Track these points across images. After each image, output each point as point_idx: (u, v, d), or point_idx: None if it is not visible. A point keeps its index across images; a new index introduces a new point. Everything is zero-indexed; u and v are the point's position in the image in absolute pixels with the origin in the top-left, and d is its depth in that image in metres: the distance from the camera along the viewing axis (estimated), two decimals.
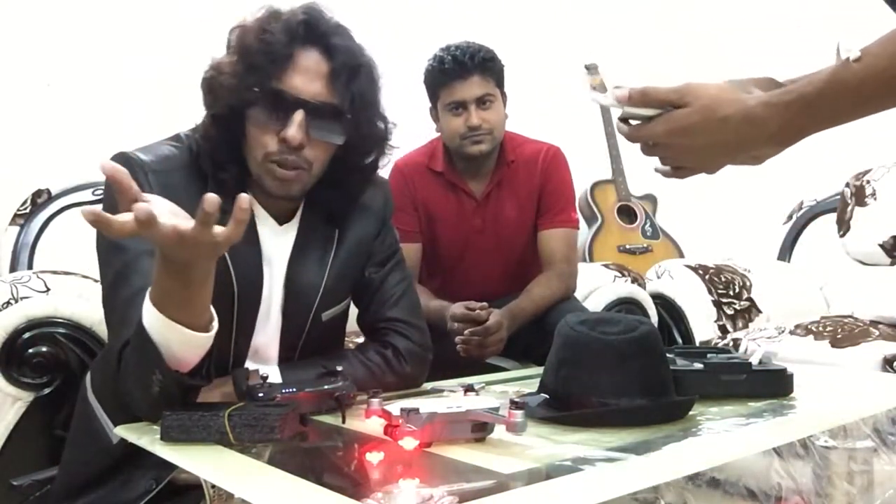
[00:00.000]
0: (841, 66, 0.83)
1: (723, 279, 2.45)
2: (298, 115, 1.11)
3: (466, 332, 1.77)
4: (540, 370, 1.11)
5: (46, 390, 1.44)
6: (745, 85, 0.99)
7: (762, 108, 0.89)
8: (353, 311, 1.38)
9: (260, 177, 1.16)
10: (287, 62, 1.12)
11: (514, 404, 0.87)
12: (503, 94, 1.98)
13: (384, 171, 2.09)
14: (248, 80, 1.11)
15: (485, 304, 1.80)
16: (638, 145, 0.98)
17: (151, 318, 0.93)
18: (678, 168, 0.98)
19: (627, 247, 3.23)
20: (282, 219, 1.24)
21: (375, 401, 0.97)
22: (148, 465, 1.07)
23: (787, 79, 1.10)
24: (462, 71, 1.89)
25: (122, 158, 1.13)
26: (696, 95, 0.91)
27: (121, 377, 1.02)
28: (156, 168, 1.13)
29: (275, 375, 1.17)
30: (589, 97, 0.96)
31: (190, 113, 1.34)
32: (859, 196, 2.60)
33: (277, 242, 1.23)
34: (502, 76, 1.97)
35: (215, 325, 0.98)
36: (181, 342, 0.94)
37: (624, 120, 0.97)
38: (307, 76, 1.12)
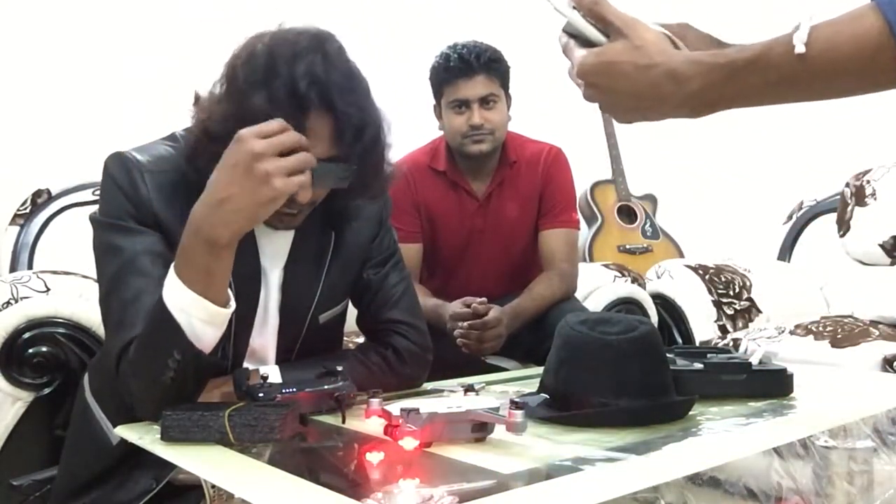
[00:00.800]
0: (778, 40, 0.79)
1: (723, 279, 2.45)
2: (307, 178, 1.01)
3: (465, 324, 1.77)
4: (540, 370, 1.11)
5: (46, 390, 1.44)
6: (681, 35, 0.96)
7: (687, 64, 0.83)
8: (353, 312, 1.38)
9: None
10: (300, 117, 1.05)
11: (514, 404, 0.87)
12: (508, 96, 1.99)
13: None
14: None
15: (484, 298, 1.80)
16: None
17: (175, 292, 0.95)
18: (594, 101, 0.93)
19: (627, 247, 3.23)
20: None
21: (375, 401, 0.97)
22: (148, 465, 1.07)
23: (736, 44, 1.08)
24: (467, 69, 1.89)
25: (117, 158, 1.13)
26: (633, 36, 0.86)
27: (121, 377, 1.02)
28: (151, 168, 1.12)
29: (275, 375, 1.17)
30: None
31: (190, 112, 1.34)
32: (859, 196, 2.60)
33: (274, 247, 1.22)
34: (507, 78, 1.98)
35: (233, 303, 1.00)
36: (204, 319, 0.96)
37: (570, 35, 0.92)
38: (312, 140, 1.04)
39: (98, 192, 2.05)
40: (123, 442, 1.03)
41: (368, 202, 1.28)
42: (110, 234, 1.09)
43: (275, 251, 1.22)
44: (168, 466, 0.99)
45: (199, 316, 0.96)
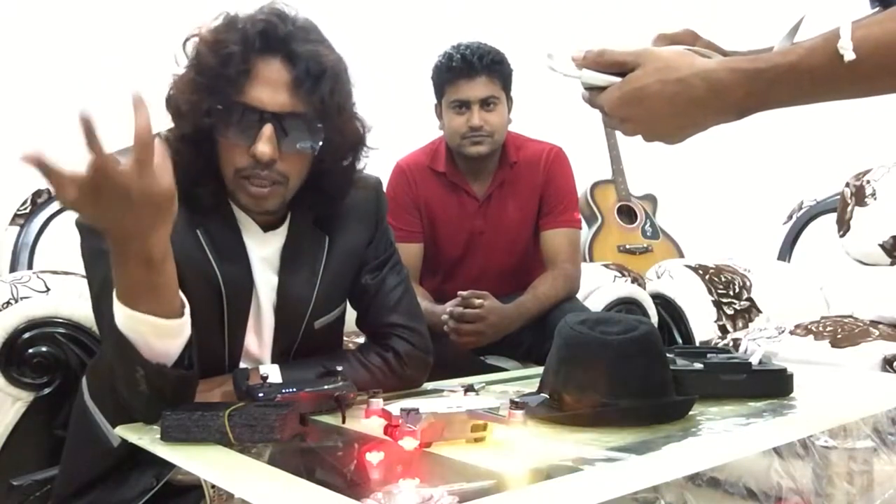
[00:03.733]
0: (822, 41, 0.79)
1: (723, 279, 2.45)
2: (267, 130, 1.06)
3: (449, 308, 1.76)
4: (540, 370, 1.11)
5: (46, 390, 1.44)
6: (690, 41, 0.95)
7: (727, 73, 0.82)
8: (352, 312, 1.38)
9: (234, 193, 1.14)
10: (246, 75, 1.07)
11: (514, 404, 0.87)
12: (509, 99, 1.98)
13: (384, 172, 2.11)
14: (209, 97, 1.07)
15: (484, 293, 1.79)
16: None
17: (121, 314, 0.93)
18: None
19: (627, 247, 3.23)
20: (267, 226, 1.21)
21: (375, 401, 0.97)
22: (148, 465, 1.06)
23: (737, 51, 1.08)
24: (469, 70, 1.89)
25: None
26: (651, 58, 0.86)
27: (113, 381, 1.02)
28: None
29: (275, 375, 1.17)
30: (547, 65, 0.91)
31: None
32: (859, 196, 2.60)
33: (264, 250, 1.21)
34: (510, 80, 1.97)
35: (187, 310, 0.97)
36: (155, 333, 0.94)
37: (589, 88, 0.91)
38: (270, 87, 1.07)
39: None
40: (124, 443, 1.03)
41: (346, 184, 1.23)
42: (96, 238, 1.05)
43: (265, 256, 1.21)
44: (168, 466, 0.98)
45: (151, 332, 0.93)
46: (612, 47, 0.89)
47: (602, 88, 0.89)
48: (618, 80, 0.87)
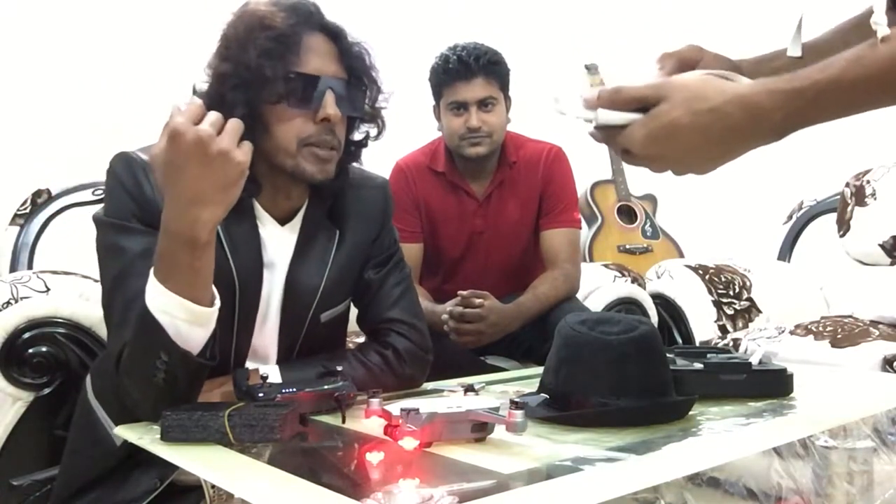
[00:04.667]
0: (862, 50, 0.76)
1: (723, 279, 2.45)
2: (330, 95, 1.12)
3: (449, 308, 1.76)
4: (540, 370, 1.11)
5: (46, 390, 1.44)
6: (697, 59, 0.92)
7: (765, 95, 0.78)
8: (353, 311, 1.38)
9: (295, 167, 1.15)
10: (300, 47, 1.12)
11: (514, 404, 0.87)
12: (507, 99, 1.98)
13: (384, 171, 2.10)
14: (262, 64, 1.09)
15: (485, 293, 1.79)
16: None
17: (156, 294, 0.94)
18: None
19: (627, 247, 3.23)
20: (283, 220, 1.24)
21: (375, 401, 0.97)
22: (151, 465, 1.06)
23: (743, 58, 1.07)
24: (466, 72, 1.89)
25: (122, 158, 1.13)
26: (674, 88, 0.80)
27: (119, 378, 1.02)
28: None
29: (275, 375, 1.17)
30: (555, 109, 0.86)
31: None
32: (859, 196, 2.60)
33: (279, 243, 1.23)
34: (507, 80, 1.97)
35: (217, 302, 0.99)
36: (188, 319, 0.95)
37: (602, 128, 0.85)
38: (322, 58, 1.13)
39: (98, 192, 2.06)
40: (127, 443, 1.03)
41: (358, 153, 1.27)
42: (113, 234, 1.09)
43: (279, 246, 1.23)
44: (172, 466, 0.98)
45: (183, 317, 0.95)
46: (627, 83, 0.84)
47: (620, 127, 0.83)
48: (637, 116, 0.82)
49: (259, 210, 1.21)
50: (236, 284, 1.17)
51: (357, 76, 1.18)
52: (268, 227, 1.22)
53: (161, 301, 0.94)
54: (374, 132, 1.27)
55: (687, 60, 1.01)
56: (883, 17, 0.75)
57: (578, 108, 0.85)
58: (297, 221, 1.25)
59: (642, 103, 0.82)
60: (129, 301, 1.02)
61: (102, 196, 2.03)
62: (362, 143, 1.27)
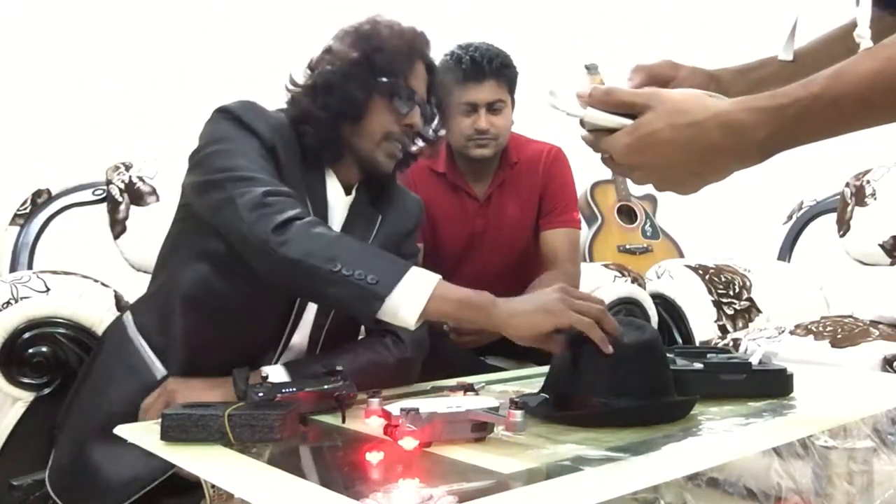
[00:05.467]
0: (844, 67, 0.74)
1: (723, 279, 2.45)
2: (418, 109, 1.36)
3: None
4: (540, 370, 1.11)
5: (46, 390, 1.44)
6: (671, 76, 0.91)
7: (746, 113, 0.76)
8: None
9: (370, 153, 1.34)
10: (412, 66, 1.36)
11: (514, 404, 0.87)
12: (513, 101, 1.98)
13: None
14: (384, 73, 1.31)
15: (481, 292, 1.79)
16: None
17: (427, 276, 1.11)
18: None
19: (627, 247, 3.23)
20: (347, 189, 1.38)
21: (375, 401, 0.97)
22: None
23: (722, 67, 1.06)
24: (478, 74, 1.89)
25: (235, 104, 1.27)
26: (661, 100, 0.80)
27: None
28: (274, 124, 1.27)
29: (275, 375, 1.18)
30: (549, 103, 0.86)
31: (190, 112, 1.35)
32: (859, 196, 2.60)
33: (338, 210, 1.36)
34: (515, 83, 1.98)
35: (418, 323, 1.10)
36: (411, 298, 1.08)
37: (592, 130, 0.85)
38: (419, 81, 1.38)
39: (99, 192, 2.07)
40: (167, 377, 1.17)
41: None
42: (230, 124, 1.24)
43: (338, 214, 1.36)
44: None
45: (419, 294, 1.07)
46: (621, 86, 0.83)
47: (608, 131, 0.83)
48: (626, 121, 0.82)
49: (329, 178, 1.36)
50: None
51: (434, 105, 1.43)
52: (334, 193, 1.36)
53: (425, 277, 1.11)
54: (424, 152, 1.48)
55: (658, 76, 0.99)
56: (866, 30, 0.73)
57: (571, 104, 0.85)
58: (352, 195, 1.39)
59: (631, 109, 0.82)
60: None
61: (103, 196, 2.05)
62: (413, 156, 1.46)
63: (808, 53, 1.03)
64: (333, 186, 1.36)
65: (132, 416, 1.17)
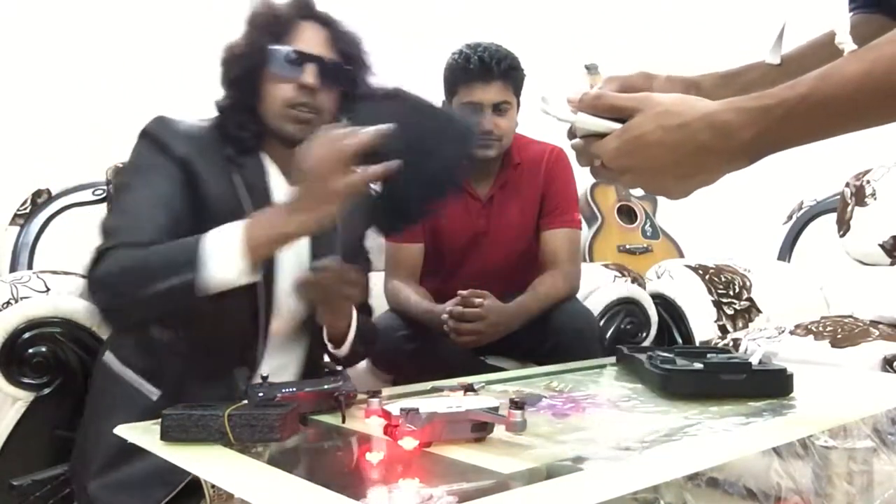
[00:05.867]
0: (831, 68, 0.74)
1: (723, 279, 2.45)
2: (310, 65, 1.30)
3: (449, 308, 1.76)
4: (540, 370, 1.11)
5: (46, 390, 1.44)
6: (646, 86, 0.91)
7: (733, 113, 0.76)
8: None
9: (280, 126, 1.31)
10: (294, 29, 1.32)
11: (514, 404, 0.87)
12: (518, 103, 1.98)
13: None
14: (263, 42, 1.30)
15: (485, 293, 1.79)
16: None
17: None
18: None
19: (627, 247, 3.23)
20: (288, 174, 1.34)
21: (375, 401, 0.97)
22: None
23: (703, 74, 1.06)
24: (486, 74, 1.89)
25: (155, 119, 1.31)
26: (650, 104, 0.80)
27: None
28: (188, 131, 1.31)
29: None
30: (541, 108, 0.86)
31: (190, 113, 1.35)
32: (859, 196, 2.60)
33: (283, 193, 1.31)
34: (521, 85, 1.97)
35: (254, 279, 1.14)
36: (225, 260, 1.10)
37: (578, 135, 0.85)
38: (312, 41, 1.33)
39: (99, 192, 2.06)
40: (163, 399, 1.20)
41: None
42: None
43: (281, 196, 1.31)
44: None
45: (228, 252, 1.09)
46: (610, 91, 0.83)
47: (599, 136, 0.83)
48: (616, 125, 0.82)
49: (268, 163, 1.36)
50: None
51: (345, 57, 1.36)
52: (276, 180, 1.35)
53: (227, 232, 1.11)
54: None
55: (631, 87, 0.98)
56: (846, 36, 0.73)
57: (562, 109, 0.85)
58: None
59: (620, 113, 0.82)
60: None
61: (103, 196, 2.05)
62: (336, 113, 1.38)
63: (795, 58, 1.03)
64: (276, 177, 1.36)
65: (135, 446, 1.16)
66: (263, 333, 1.30)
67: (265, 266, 1.20)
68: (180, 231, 1.17)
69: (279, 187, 1.35)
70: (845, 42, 0.74)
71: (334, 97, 1.34)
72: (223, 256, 1.08)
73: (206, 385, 1.23)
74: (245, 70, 1.31)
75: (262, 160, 1.36)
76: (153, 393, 1.25)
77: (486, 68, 1.88)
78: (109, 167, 2.06)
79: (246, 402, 0.98)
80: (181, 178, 1.24)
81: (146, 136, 1.29)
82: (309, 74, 1.30)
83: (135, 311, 1.14)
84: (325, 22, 1.37)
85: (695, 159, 0.79)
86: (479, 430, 0.89)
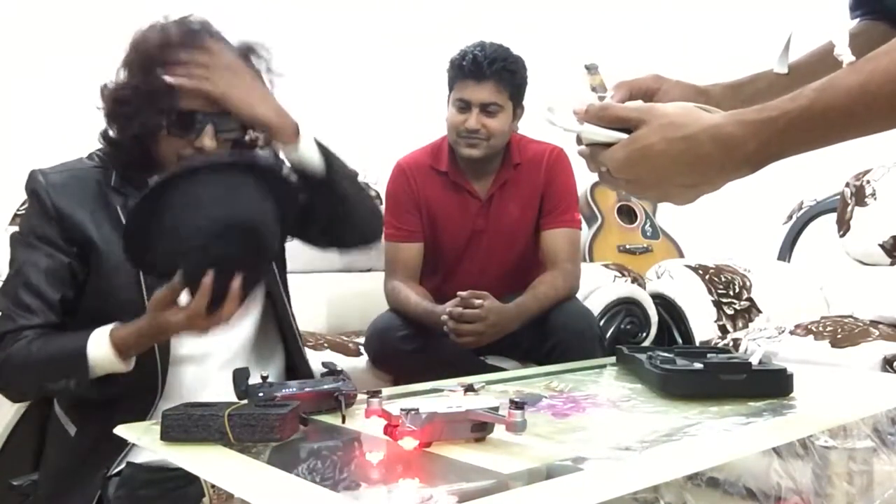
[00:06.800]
0: (831, 80, 0.76)
1: (723, 279, 2.45)
2: (210, 128, 1.22)
3: (449, 308, 1.76)
4: (540, 370, 1.11)
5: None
6: (656, 88, 0.92)
7: (736, 126, 0.79)
8: (353, 310, 1.38)
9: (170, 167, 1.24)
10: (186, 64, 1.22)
11: (514, 404, 0.87)
12: (519, 107, 1.98)
13: (385, 171, 2.11)
14: (156, 104, 1.22)
15: (485, 293, 1.79)
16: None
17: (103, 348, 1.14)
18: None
19: (627, 247, 3.23)
20: None
21: (375, 401, 0.97)
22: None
23: (712, 83, 1.07)
24: (477, 73, 1.89)
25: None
26: (655, 115, 0.82)
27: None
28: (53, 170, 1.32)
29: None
30: (547, 119, 0.87)
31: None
32: (859, 196, 2.60)
33: None
34: (520, 90, 1.97)
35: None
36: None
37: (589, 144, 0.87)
38: (199, 96, 1.21)
39: None
40: (81, 433, 1.21)
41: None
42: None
43: None
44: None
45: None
46: (616, 102, 0.85)
47: (605, 145, 0.85)
48: (621, 135, 0.83)
49: None
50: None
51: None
52: None
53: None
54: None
55: (641, 89, 1.01)
56: (845, 48, 0.75)
57: (568, 120, 0.86)
58: None
59: (625, 124, 0.84)
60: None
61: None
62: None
63: (803, 66, 1.04)
64: None
65: (62, 484, 1.21)
66: (162, 372, 1.25)
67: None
68: (77, 297, 1.22)
69: None
70: (843, 54, 0.75)
71: (226, 143, 1.27)
72: (104, 359, 1.13)
73: (114, 418, 1.13)
74: (134, 121, 1.24)
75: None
76: (71, 428, 1.24)
77: (478, 67, 1.89)
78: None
79: (246, 402, 0.98)
80: (65, 237, 1.23)
81: (27, 194, 1.31)
82: (208, 138, 1.21)
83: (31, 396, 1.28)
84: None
85: (698, 169, 0.81)
86: (479, 430, 0.89)
